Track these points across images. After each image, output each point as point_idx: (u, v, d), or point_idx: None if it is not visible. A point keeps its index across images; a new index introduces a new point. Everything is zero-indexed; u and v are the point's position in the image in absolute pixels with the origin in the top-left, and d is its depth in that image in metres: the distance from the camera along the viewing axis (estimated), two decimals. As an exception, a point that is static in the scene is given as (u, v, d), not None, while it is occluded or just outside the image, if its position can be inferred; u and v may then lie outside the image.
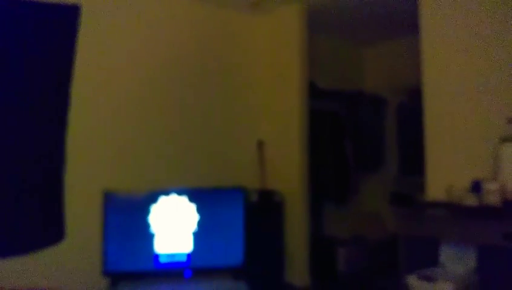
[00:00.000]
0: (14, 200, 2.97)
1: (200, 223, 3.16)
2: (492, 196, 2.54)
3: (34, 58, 3.11)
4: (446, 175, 3.09)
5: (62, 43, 3.26)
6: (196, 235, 3.15)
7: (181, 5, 4.05)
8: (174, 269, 3.10)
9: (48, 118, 3.17)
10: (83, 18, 3.34)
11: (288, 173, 4.26)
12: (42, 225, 3.11)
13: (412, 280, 2.67)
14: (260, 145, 4.52)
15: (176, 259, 3.10)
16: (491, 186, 2.56)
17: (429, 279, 2.60)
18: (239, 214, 3.26)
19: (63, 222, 3.21)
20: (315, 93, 4.68)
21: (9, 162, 2.97)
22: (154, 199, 3.15)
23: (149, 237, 3.07)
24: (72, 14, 3.29)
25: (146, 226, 3.08)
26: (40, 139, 3.13)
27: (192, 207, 3.18)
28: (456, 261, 2.80)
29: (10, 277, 2.91)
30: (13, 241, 2.96)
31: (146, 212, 3.10)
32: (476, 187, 2.73)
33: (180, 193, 3.21)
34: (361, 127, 5.19)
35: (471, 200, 2.62)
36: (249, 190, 4.20)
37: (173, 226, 3.12)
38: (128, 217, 3.08)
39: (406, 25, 4.74)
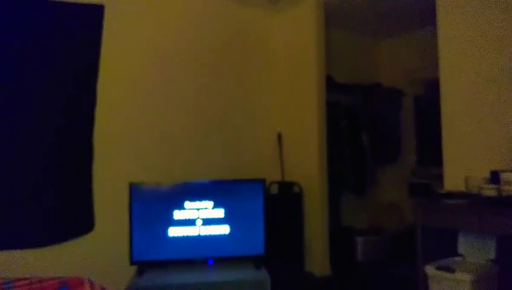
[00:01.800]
0: (45, 192, 3.01)
1: (223, 214, 3.14)
2: (511, 186, 2.43)
3: (62, 55, 3.12)
4: (464, 166, 3.01)
5: (88, 41, 3.27)
6: (220, 225, 3.12)
7: (202, 4, 4.01)
8: (198, 257, 3.09)
9: (76, 113, 3.19)
10: (109, 17, 3.36)
11: (307, 165, 4.21)
12: (71, 216, 3.14)
13: (430, 270, 2.59)
14: (280, 138, 4.48)
15: (200, 248, 3.09)
16: (509, 177, 2.46)
17: (448, 269, 2.52)
18: (260, 204, 3.22)
19: (92, 213, 3.24)
20: (332, 86, 4.62)
21: (41, 156, 3.01)
22: (178, 190, 3.13)
23: (174, 227, 3.06)
24: (97, 13, 3.30)
25: (171, 216, 3.07)
26: (69, 133, 3.15)
27: (215, 198, 3.15)
28: (475, 252, 2.71)
29: (42, 266, 2.94)
30: (44, 232, 3.00)
31: (171, 203, 3.09)
32: (495, 178, 2.63)
33: (203, 184, 3.19)
34: (378, 119, 5.11)
35: (489, 191, 2.52)
36: (269, 181, 4.17)
37: (198, 216, 3.11)
38: (153, 208, 3.07)
39: (421, 17, 4.65)
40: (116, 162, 3.39)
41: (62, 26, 3.12)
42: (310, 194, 4.14)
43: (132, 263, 2.99)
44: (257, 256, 3.15)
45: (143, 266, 3.01)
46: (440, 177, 3.24)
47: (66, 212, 3.10)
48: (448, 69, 3.18)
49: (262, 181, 3.25)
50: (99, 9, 3.32)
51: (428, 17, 4.11)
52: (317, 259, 4.08)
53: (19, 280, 1.99)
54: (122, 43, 3.49)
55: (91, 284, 2.01)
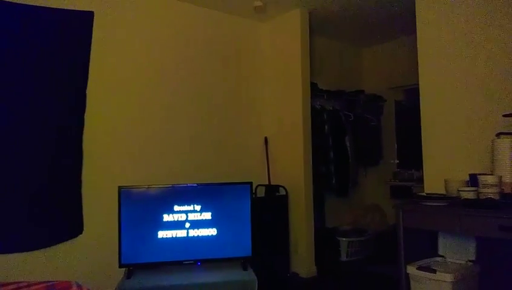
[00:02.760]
0: (34, 196, 2.93)
1: (211, 217, 3.10)
2: (489, 189, 2.45)
3: (52, 60, 3.06)
4: (443, 169, 3.04)
5: (78, 46, 3.21)
6: (208, 227, 3.09)
7: (192, 13, 3.98)
8: (186, 259, 3.04)
9: (65, 118, 3.12)
10: (102, 24, 3.31)
11: (292, 168, 4.20)
12: (61, 220, 3.07)
13: (412, 270, 2.58)
14: (266, 142, 4.46)
15: (188, 250, 3.04)
16: (487, 180, 2.47)
17: (429, 269, 2.51)
18: (247, 207, 3.18)
19: (81, 216, 3.17)
20: (316, 92, 4.62)
21: (30, 160, 2.94)
22: (167, 193, 3.09)
23: (163, 230, 3.01)
24: (87, 19, 3.25)
25: (160, 219, 3.02)
26: (59, 138, 3.08)
27: (203, 201, 3.11)
28: (455, 253, 2.71)
29: (29, 270, 2.86)
30: (33, 236, 2.92)
31: (160, 206, 3.04)
32: (473, 180, 2.65)
33: (191, 188, 3.15)
34: (360, 124, 5.13)
35: (468, 193, 2.53)
36: (256, 184, 4.15)
37: (185, 219, 3.06)
38: (142, 211, 3.02)
39: (402, 26, 4.69)
40: (105, 166, 3.34)
41: (53, 32, 3.06)
42: (295, 196, 4.13)
43: (121, 265, 2.92)
44: (244, 257, 3.12)
45: (132, 268, 2.95)
46: (420, 180, 3.26)
47: (55, 216, 3.03)
48: (426, 75, 3.20)
49: (249, 184, 3.22)
50: (89, 16, 3.27)
51: (408, 26, 4.16)
52: (303, 260, 4.06)
53: (7, 284, 1.93)
54: (113, 49, 3.44)
55: (79, 287, 1.95)
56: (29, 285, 1.93)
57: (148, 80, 3.65)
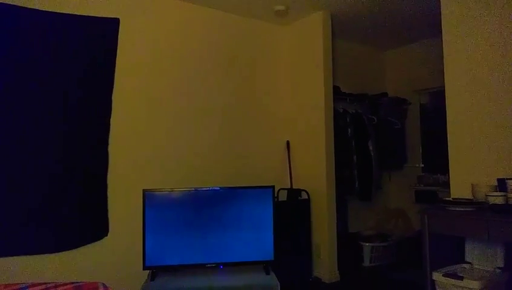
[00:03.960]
0: (61, 199, 3.00)
1: (234, 220, 3.11)
2: (518, 194, 2.38)
3: (79, 66, 3.14)
4: (470, 173, 2.96)
5: (104, 52, 3.28)
6: (230, 231, 3.10)
7: (212, 17, 4.02)
8: (209, 262, 3.05)
9: (92, 123, 3.19)
10: (123, 30, 3.38)
11: (315, 172, 4.17)
12: (87, 222, 3.13)
13: (438, 277, 2.53)
14: (288, 146, 4.45)
15: (211, 253, 3.06)
16: (517, 185, 2.40)
17: (455, 276, 2.45)
18: (269, 211, 3.18)
19: (107, 219, 3.23)
20: (339, 96, 4.59)
21: (59, 164, 3.01)
22: (190, 197, 3.11)
23: (186, 232, 3.04)
24: (113, 26, 3.32)
25: (183, 222, 3.05)
26: (85, 143, 3.15)
27: (226, 205, 3.13)
28: (483, 259, 2.64)
29: (57, 271, 2.93)
30: (60, 238, 2.99)
31: (184, 209, 3.06)
32: (501, 185, 2.58)
33: (214, 191, 3.17)
34: (384, 128, 5.06)
35: (496, 199, 2.46)
36: (278, 188, 4.14)
37: (209, 221, 3.08)
38: (166, 214, 3.05)
39: (426, 28, 4.61)
40: (130, 170, 3.39)
41: (79, 38, 3.14)
42: (318, 200, 4.10)
43: (145, 267, 2.96)
44: (267, 261, 3.11)
45: (156, 271, 2.98)
46: (446, 185, 3.20)
47: (81, 219, 3.10)
48: (452, 78, 3.13)
49: (271, 188, 3.22)
50: (115, 22, 3.34)
51: (432, 28, 4.09)
52: (325, 265, 4.02)
53: (34, 285, 1.97)
54: (137, 54, 3.50)
55: (105, 288, 1.98)
56: (56, 286, 1.97)
57: (170, 85, 3.70)
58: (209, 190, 3.18)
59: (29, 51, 2.92)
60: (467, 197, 2.78)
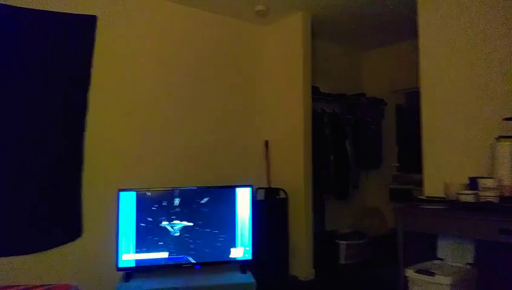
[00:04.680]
0: (33, 198, 2.93)
1: (211, 219, 3.09)
2: (488, 192, 2.44)
3: (54, 63, 3.07)
4: (443, 172, 3.02)
5: (81, 50, 3.21)
6: (207, 230, 3.07)
7: (194, 15, 3.99)
8: (185, 262, 3.03)
9: (66, 121, 3.12)
10: (105, 28, 3.32)
11: (292, 171, 4.19)
12: (60, 223, 3.06)
13: (411, 273, 2.57)
14: (267, 145, 4.46)
15: (187, 253, 3.03)
16: (487, 183, 2.46)
17: (427, 272, 2.50)
18: (247, 210, 3.17)
19: (81, 219, 3.17)
20: (318, 96, 4.62)
21: (31, 164, 2.94)
22: (167, 196, 3.08)
23: (162, 232, 3.00)
24: (90, 23, 3.25)
25: (159, 222, 3.01)
26: (59, 141, 3.08)
27: (203, 204, 3.10)
28: (454, 256, 2.70)
29: (29, 273, 2.86)
30: (32, 239, 2.91)
31: (160, 209, 3.03)
32: (473, 184, 2.64)
33: (191, 191, 3.14)
34: (361, 128, 5.12)
35: (468, 197, 2.52)
36: (256, 187, 4.14)
37: (185, 222, 3.05)
38: (142, 214, 3.01)
39: (404, 30, 4.68)
40: (105, 169, 3.34)
41: (56, 36, 3.07)
42: (295, 199, 4.12)
43: (119, 269, 2.91)
44: (244, 261, 3.10)
45: (130, 272, 2.94)
46: (420, 184, 3.25)
47: (53, 219, 3.03)
48: (427, 79, 3.20)
49: (249, 187, 3.21)
50: (92, 20, 3.28)
51: (409, 30, 4.15)
52: (302, 263, 4.05)
53: (6, 287, 1.92)
54: (115, 54, 3.45)
55: (77, 290, 1.95)
56: (27, 288, 1.92)
57: (149, 83, 3.66)
58: (186, 189, 3.15)
59: (2, 48, 2.84)
60: (440, 196, 2.83)
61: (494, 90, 2.80)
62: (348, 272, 4.30)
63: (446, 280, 2.39)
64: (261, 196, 4.22)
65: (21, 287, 1.95)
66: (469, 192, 2.56)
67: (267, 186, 4.29)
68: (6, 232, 2.80)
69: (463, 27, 2.98)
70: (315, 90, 4.54)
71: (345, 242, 4.54)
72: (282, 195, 4.14)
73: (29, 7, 2.96)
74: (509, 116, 2.63)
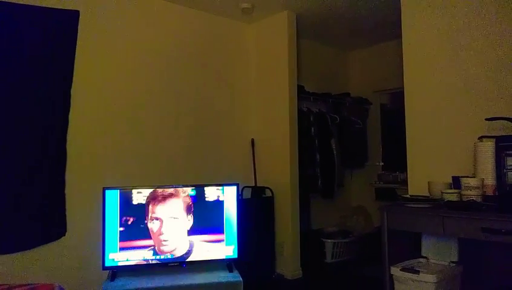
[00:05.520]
0: (15, 197, 2.87)
1: (197, 218, 3.07)
2: (471, 191, 2.48)
3: (35, 59, 3.00)
4: (427, 171, 3.06)
5: (63, 46, 3.16)
6: (193, 229, 3.05)
7: (179, 12, 3.96)
8: (171, 261, 3.00)
9: (48, 117, 3.07)
10: (87, 24, 3.27)
11: (279, 170, 4.20)
12: (43, 221, 3.01)
13: (396, 271, 2.59)
14: (253, 144, 4.45)
15: (173, 252, 3.00)
16: (469, 182, 2.50)
17: (412, 271, 2.53)
18: (234, 209, 3.16)
19: (65, 217, 3.12)
20: (303, 95, 4.63)
21: (11, 160, 2.87)
22: (152, 195, 3.05)
23: (147, 231, 2.97)
24: (72, 18, 3.20)
25: (145, 221, 2.98)
26: (41, 138, 3.03)
27: (190, 202, 3.08)
28: (438, 254, 2.73)
29: (12, 272, 2.80)
30: (14, 238, 2.86)
31: (145, 208, 3.00)
32: (456, 183, 2.68)
33: (177, 189, 3.12)
34: (346, 127, 5.16)
35: (451, 196, 2.55)
36: (243, 186, 4.14)
37: (172, 220, 3.02)
38: (127, 212, 2.97)
39: (388, 31, 4.72)
40: (90, 167, 3.29)
41: (36, 31, 3.01)
42: (281, 198, 4.13)
43: (104, 267, 2.87)
44: (230, 259, 3.09)
45: (115, 271, 2.90)
46: (404, 182, 3.28)
47: (36, 217, 2.98)
48: (411, 79, 3.23)
49: (236, 185, 3.20)
50: (75, 14, 3.22)
51: (394, 31, 4.20)
52: (288, 261, 4.06)
53: (-14, 287, 1.88)
54: (99, 50, 3.40)
55: (62, 290, 1.91)
56: (10, 287, 1.88)
57: (133, 80, 3.62)
58: (171, 187, 3.13)
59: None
60: (424, 195, 2.87)
61: (477, 90, 2.84)
62: (334, 271, 4.33)
63: (431, 278, 2.42)
64: (247, 194, 4.22)
65: (3, 287, 1.90)
66: (453, 191, 2.60)
67: (254, 185, 4.29)
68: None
69: (447, 28, 3.02)
70: (301, 89, 4.56)
71: (331, 241, 4.57)
72: (268, 194, 4.14)
73: (7, 0, 2.88)
74: (491, 116, 2.67)
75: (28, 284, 1.93)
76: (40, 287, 1.91)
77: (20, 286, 1.91)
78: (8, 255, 2.82)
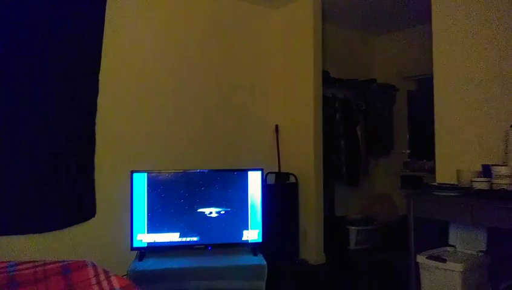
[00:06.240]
0: (48, 180, 2.96)
1: (222, 202, 3.11)
2: (502, 179, 2.43)
3: (64, 43, 3.04)
4: (455, 159, 3.00)
5: (90, 29, 3.19)
6: (217, 213, 3.10)
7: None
8: (197, 243, 3.06)
9: (77, 102, 3.13)
10: (113, 12, 3.30)
11: (303, 156, 4.19)
12: (74, 203, 3.10)
13: (422, 259, 2.57)
14: (277, 130, 4.45)
15: (199, 235, 3.06)
16: (500, 171, 2.44)
17: (439, 259, 2.50)
18: (258, 194, 3.18)
19: (94, 199, 3.20)
20: (328, 81, 4.58)
21: (45, 146, 2.96)
22: (179, 179, 3.10)
23: (174, 214, 3.03)
24: (100, 2, 3.22)
25: (171, 204, 3.04)
26: (72, 124, 3.10)
27: (215, 187, 3.12)
28: (466, 243, 2.70)
29: (42, 251, 2.90)
30: (46, 218, 2.96)
31: (172, 191, 3.05)
32: (486, 171, 2.62)
33: (202, 174, 3.16)
34: (372, 113, 5.09)
35: (481, 184, 2.51)
36: (267, 172, 4.15)
37: (198, 204, 3.07)
38: (154, 195, 3.03)
39: (415, 15, 4.60)
40: (118, 151, 3.36)
41: (65, 14, 3.04)
42: (305, 184, 4.13)
43: (132, 248, 2.95)
44: (254, 243, 3.13)
45: (143, 251, 2.98)
46: (431, 171, 3.24)
47: (68, 199, 3.07)
48: (441, 65, 3.15)
49: (260, 170, 3.21)
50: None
51: (421, 15, 4.08)
52: (312, 247, 4.07)
53: (23, 263, 1.95)
54: (125, 37, 3.44)
55: (94, 267, 1.98)
56: (45, 264, 1.96)
57: (160, 67, 3.65)
58: (197, 172, 3.17)
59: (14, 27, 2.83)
60: (452, 183, 2.82)
61: (509, 76, 2.75)
62: (357, 257, 4.32)
63: (458, 267, 2.39)
64: (271, 180, 4.23)
65: (38, 263, 1.98)
66: (483, 179, 2.55)
67: (278, 171, 4.30)
68: (22, 212, 2.84)
69: (477, 10, 2.92)
70: (326, 75, 4.51)
71: (355, 228, 4.55)
72: (292, 180, 4.15)
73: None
74: (525, 103, 2.60)
75: (63, 261, 2.00)
76: (73, 264, 1.98)
77: (54, 262, 1.99)
78: (39, 234, 2.91)
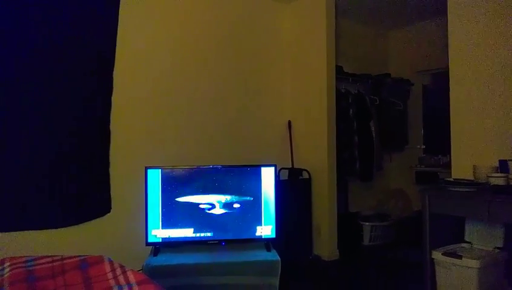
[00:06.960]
0: (65, 176, 3.01)
1: (235, 198, 3.12)
2: (520, 175, 2.39)
3: (78, 40, 3.07)
4: (471, 155, 2.97)
5: (104, 25, 3.21)
6: (231, 209, 3.11)
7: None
8: (211, 239, 3.08)
9: (91, 99, 3.16)
10: (127, 11, 3.32)
11: (316, 152, 4.18)
12: (90, 198, 3.14)
13: (438, 256, 2.55)
14: (290, 125, 4.44)
15: (213, 230, 3.08)
16: (518, 166, 2.41)
17: (455, 255, 2.48)
18: (272, 189, 3.19)
19: (109, 195, 3.24)
20: (341, 76, 4.55)
21: (61, 142, 3.00)
22: (192, 174, 3.12)
23: (187, 210, 3.06)
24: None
25: (184, 199, 3.06)
26: (87, 120, 3.14)
27: (228, 183, 3.13)
28: (482, 239, 2.67)
29: (60, 246, 2.95)
30: (64, 214, 3.01)
31: (185, 186, 3.08)
32: (503, 166, 2.58)
33: (216, 169, 3.17)
34: (386, 108, 5.04)
35: (498, 180, 2.47)
36: (280, 167, 4.15)
37: (211, 200, 3.09)
38: (168, 191, 3.06)
39: (430, 9, 4.54)
40: (132, 147, 3.39)
41: (78, 10, 3.07)
42: (319, 180, 4.12)
43: (147, 243, 2.99)
44: (268, 239, 3.14)
45: (158, 246, 3.02)
46: (447, 166, 3.20)
47: (84, 195, 3.11)
48: (457, 59, 3.11)
49: (273, 166, 3.21)
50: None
51: (436, 8, 4.03)
52: (325, 243, 4.07)
53: (41, 258, 2.00)
54: (139, 35, 3.45)
55: (111, 262, 2.01)
56: (62, 259, 1.99)
57: (175, 64, 3.66)
58: (210, 168, 3.19)
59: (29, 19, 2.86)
60: (468, 178, 2.79)
61: (528, 70, 2.71)
62: (371, 253, 4.31)
63: (474, 263, 2.37)
64: (284, 176, 4.23)
65: (56, 257, 2.02)
66: (500, 175, 2.52)
67: (291, 167, 4.30)
68: (38, 207, 2.89)
69: (494, 2, 2.86)
70: (339, 70, 4.48)
71: (369, 224, 4.53)
72: (305, 176, 4.14)
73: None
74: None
75: (80, 256, 2.04)
76: (91, 258, 2.01)
77: (72, 257, 2.02)
78: (55, 230, 2.96)
